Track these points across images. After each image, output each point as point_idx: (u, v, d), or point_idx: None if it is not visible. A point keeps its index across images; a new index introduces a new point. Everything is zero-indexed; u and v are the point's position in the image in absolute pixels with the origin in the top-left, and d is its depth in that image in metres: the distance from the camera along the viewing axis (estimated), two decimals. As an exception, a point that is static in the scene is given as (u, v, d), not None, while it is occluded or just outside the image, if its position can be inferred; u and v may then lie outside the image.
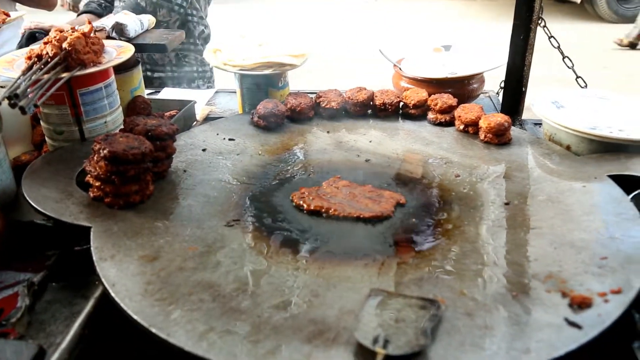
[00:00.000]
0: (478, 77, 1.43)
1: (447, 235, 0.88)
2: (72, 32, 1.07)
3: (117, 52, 1.13)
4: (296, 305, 0.71)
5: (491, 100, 1.60)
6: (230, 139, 1.20)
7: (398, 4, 9.11)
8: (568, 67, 1.40)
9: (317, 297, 0.73)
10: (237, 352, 0.62)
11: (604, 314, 0.67)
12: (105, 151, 0.87)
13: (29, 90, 0.89)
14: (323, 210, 0.94)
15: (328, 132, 1.25)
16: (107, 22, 1.28)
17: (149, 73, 2.09)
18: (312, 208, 0.94)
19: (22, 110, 0.82)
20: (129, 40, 1.26)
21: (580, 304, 0.69)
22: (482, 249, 0.83)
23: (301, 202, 0.96)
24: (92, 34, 1.10)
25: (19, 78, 0.91)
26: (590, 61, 5.55)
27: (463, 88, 1.41)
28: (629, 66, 5.41)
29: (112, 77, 1.13)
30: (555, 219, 0.90)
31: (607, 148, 1.08)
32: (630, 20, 7.41)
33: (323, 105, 1.28)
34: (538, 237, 0.86)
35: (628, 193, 0.96)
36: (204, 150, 1.15)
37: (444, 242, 0.86)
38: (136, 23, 1.30)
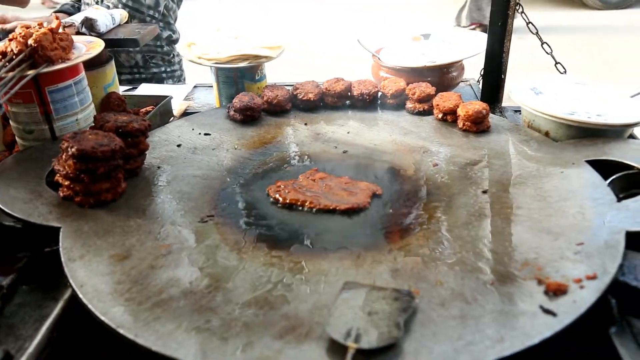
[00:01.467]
0: (457, 65, 1.42)
1: (423, 225, 0.87)
2: (39, 27, 1.04)
3: (87, 47, 1.10)
4: (269, 301, 0.69)
5: (472, 88, 1.59)
6: (205, 134, 1.18)
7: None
8: (547, 52, 1.39)
9: (290, 292, 0.71)
10: (207, 350, 0.60)
11: (579, 300, 0.66)
12: (73, 149, 0.85)
13: (-8, 88, 0.87)
14: (299, 203, 0.92)
15: (306, 124, 1.23)
16: (77, 17, 1.25)
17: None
18: (287, 201, 0.93)
19: (-16, 109, 0.80)
20: (100, 35, 1.24)
21: (556, 291, 0.68)
22: (459, 238, 0.82)
23: (277, 196, 0.94)
24: (60, 30, 1.07)
25: (-18, 76, 0.89)
26: (573, 48, 5.57)
27: (442, 76, 1.40)
28: (613, 53, 5.43)
29: (83, 73, 1.10)
30: (532, 205, 0.89)
31: (586, 133, 1.08)
32: (615, 7, 7.46)
33: (300, 97, 1.26)
34: (515, 224, 0.85)
35: (606, 178, 0.95)
36: (178, 145, 1.13)
37: (421, 232, 0.85)
38: (107, 18, 1.27)
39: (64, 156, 0.88)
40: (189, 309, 0.68)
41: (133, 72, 2.08)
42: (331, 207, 0.91)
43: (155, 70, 2.10)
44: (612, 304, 0.72)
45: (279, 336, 0.63)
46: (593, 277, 0.70)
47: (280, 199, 0.94)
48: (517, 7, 1.31)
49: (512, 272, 0.73)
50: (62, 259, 0.76)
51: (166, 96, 1.39)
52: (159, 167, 1.04)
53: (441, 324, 0.64)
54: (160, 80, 2.10)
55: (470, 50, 1.37)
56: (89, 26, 1.23)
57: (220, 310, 0.67)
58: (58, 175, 0.90)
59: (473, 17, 6.15)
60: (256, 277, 0.75)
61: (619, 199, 0.89)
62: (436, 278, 0.73)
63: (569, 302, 0.66)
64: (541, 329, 0.62)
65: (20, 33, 1.00)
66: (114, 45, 1.25)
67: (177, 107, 1.49)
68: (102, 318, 0.65)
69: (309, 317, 0.66)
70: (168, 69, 2.12)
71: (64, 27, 1.15)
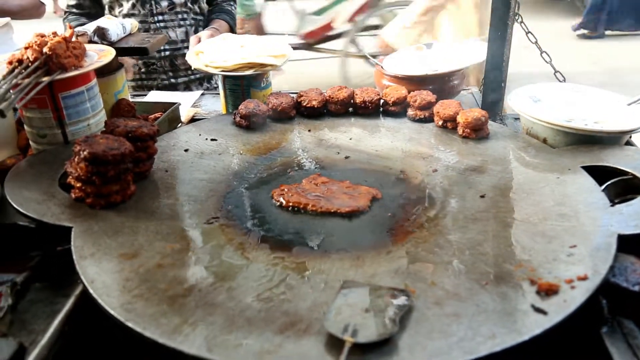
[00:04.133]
0: (458, 74, 1.45)
1: (422, 228, 0.90)
2: (53, 36, 1.08)
3: (99, 55, 1.14)
4: (270, 299, 0.72)
5: (474, 96, 1.62)
6: (212, 139, 1.21)
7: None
8: (546, 61, 1.42)
9: (291, 290, 0.74)
10: (211, 342, 0.63)
11: (569, 300, 0.69)
12: (85, 152, 0.89)
13: (9, 93, 0.91)
14: (301, 206, 0.95)
15: (309, 130, 1.27)
16: (89, 26, 1.29)
17: (172, 80, 2.14)
18: (290, 204, 0.96)
19: (1, 113, 0.84)
20: (111, 44, 1.28)
21: (547, 290, 0.70)
22: (456, 241, 0.85)
23: (281, 199, 0.98)
24: (73, 39, 1.11)
25: (-1, 82, 0.93)
26: (576, 55, 5.59)
27: (444, 85, 1.43)
28: (616, 60, 5.44)
29: (94, 80, 1.14)
30: (528, 209, 0.92)
31: (582, 140, 1.10)
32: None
33: (304, 104, 1.30)
34: (510, 227, 0.88)
35: (602, 183, 0.98)
36: (186, 150, 1.16)
37: (419, 235, 0.88)
38: (118, 27, 1.32)
39: (76, 159, 0.91)
40: (194, 305, 0.71)
41: (188, 74, 2.16)
42: (332, 210, 0.94)
43: (190, 75, 2.18)
44: (603, 304, 0.75)
45: (280, 331, 0.66)
46: (584, 278, 0.72)
47: (284, 202, 0.97)
48: (517, 17, 1.34)
49: (506, 273, 0.76)
50: (74, 257, 0.79)
51: (174, 103, 1.43)
52: (166, 171, 1.08)
53: (436, 321, 0.67)
54: (210, 78, 2.22)
55: (470, 59, 1.40)
56: (101, 35, 1.28)
57: (224, 307, 0.70)
58: (70, 177, 0.93)
59: None
60: (259, 276, 0.78)
61: (614, 204, 0.92)
62: (432, 278, 0.76)
63: (560, 301, 0.69)
64: (532, 326, 0.65)
65: (35, 42, 1.04)
66: (125, 54, 1.29)
67: (185, 114, 1.53)
68: (112, 312, 0.68)
69: (309, 314, 0.69)
70: (198, 75, 2.19)
71: (77, 36, 1.19)
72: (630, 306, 0.74)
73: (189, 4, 2.09)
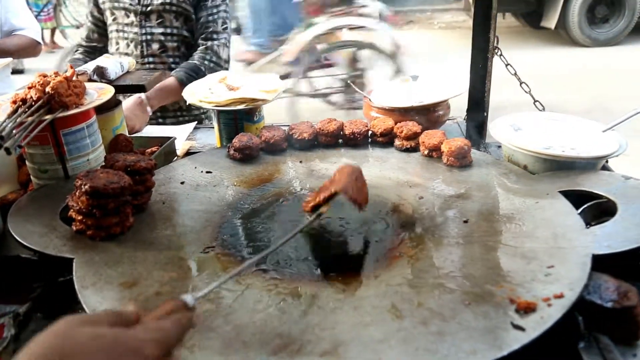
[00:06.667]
0: (443, 105, 1.51)
1: (408, 252, 0.94)
2: (55, 76, 1.14)
3: (98, 93, 1.20)
4: (265, 322, 0.76)
5: (459, 126, 1.68)
6: (207, 172, 1.26)
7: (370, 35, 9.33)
8: (525, 91, 1.49)
9: (284, 314, 0.78)
10: (208, 365, 0.67)
11: (546, 317, 0.73)
12: (86, 186, 0.93)
13: (14, 132, 0.96)
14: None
15: (301, 161, 1.32)
16: (89, 65, 1.35)
17: (160, 120, 2.21)
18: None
19: (7, 151, 0.89)
20: (110, 82, 1.34)
21: (525, 308, 0.75)
22: (440, 264, 0.89)
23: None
24: (74, 78, 1.17)
25: (4, 121, 0.98)
26: (562, 84, 5.73)
27: (429, 115, 1.49)
28: (601, 88, 5.58)
29: (94, 117, 1.20)
30: (508, 233, 0.96)
31: (561, 166, 1.16)
32: (604, 44, 7.68)
33: (295, 136, 1.35)
34: (492, 250, 0.92)
35: (579, 206, 1.03)
36: (182, 183, 1.21)
37: (406, 259, 0.92)
38: (116, 66, 1.38)
39: (77, 193, 0.96)
40: (191, 330, 0.74)
41: (177, 115, 2.23)
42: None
43: (196, 112, 2.25)
44: (580, 321, 0.79)
45: (273, 352, 0.70)
46: (560, 296, 0.76)
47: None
48: (496, 51, 1.42)
49: (487, 293, 0.80)
50: (76, 287, 0.83)
51: (170, 137, 1.49)
52: (163, 203, 1.12)
53: (422, 340, 0.71)
54: (200, 121, 2.24)
55: (454, 91, 1.47)
56: (100, 74, 1.34)
57: (220, 331, 0.74)
58: (72, 210, 0.97)
59: None
60: (254, 301, 0.81)
61: (589, 226, 0.96)
62: (418, 299, 0.80)
63: (537, 318, 0.73)
64: (511, 342, 0.69)
65: (38, 81, 1.09)
66: (123, 91, 1.35)
67: (180, 147, 1.58)
68: (113, 338, 0.72)
69: (301, 336, 0.73)
70: (206, 111, 2.26)
71: (78, 75, 1.25)
72: (604, 322, 0.78)
73: (182, 49, 2.16)
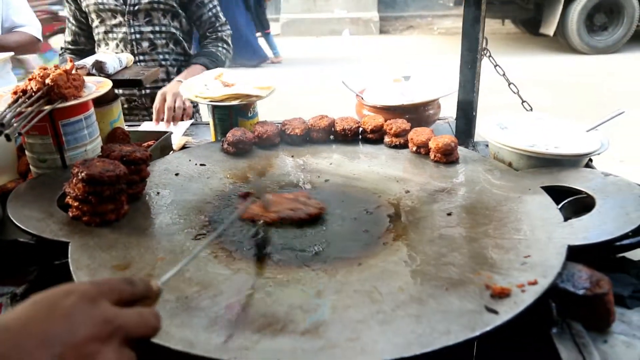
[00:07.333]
0: (433, 104, 1.55)
1: (393, 242, 0.98)
2: (55, 69, 1.17)
3: (97, 87, 1.24)
4: (250, 303, 0.80)
5: (450, 125, 1.72)
6: (201, 164, 1.30)
7: (371, 39, 9.42)
8: (513, 92, 1.53)
9: (270, 296, 0.81)
10: (194, 340, 0.70)
11: (519, 302, 0.76)
12: (83, 174, 0.97)
13: (13, 120, 0.99)
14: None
15: (292, 156, 1.36)
16: (88, 60, 1.39)
17: (127, 117, 2.24)
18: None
19: (7, 137, 0.92)
20: (108, 76, 1.38)
21: (500, 294, 0.78)
22: (423, 253, 0.93)
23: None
24: (73, 71, 1.21)
25: (5, 110, 1.01)
26: (560, 90, 5.78)
27: (420, 114, 1.53)
28: (597, 95, 5.63)
29: (92, 109, 1.23)
30: (490, 225, 1.00)
31: (544, 163, 1.20)
32: (603, 51, 7.75)
33: (288, 132, 1.39)
34: (473, 241, 0.96)
35: (560, 202, 1.06)
36: (176, 174, 1.24)
37: (390, 248, 0.95)
38: (115, 61, 1.41)
39: (74, 180, 0.99)
40: (180, 310, 0.78)
41: (150, 112, 2.25)
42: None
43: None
44: (553, 307, 0.82)
45: (258, 330, 0.73)
46: (534, 283, 0.80)
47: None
48: (485, 52, 1.45)
49: (465, 280, 0.83)
50: (71, 268, 0.86)
51: (166, 132, 1.52)
52: (158, 193, 1.16)
53: (399, 321, 0.74)
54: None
55: (444, 91, 1.51)
56: (99, 68, 1.37)
57: (207, 311, 0.77)
58: (68, 197, 1.01)
59: None
60: (241, 285, 0.85)
61: (568, 220, 1.00)
62: (399, 285, 0.84)
63: (511, 303, 0.76)
64: (483, 324, 0.72)
65: (39, 74, 1.13)
66: (121, 85, 1.39)
67: (176, 142, 1.61)
68: (105, 315, 0.75)
69: (284, 316, 0.76)
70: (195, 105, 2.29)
71: (77, 68, 1.28)
72: (577, 309, 0.82)
73: (171, 45, 2.21)
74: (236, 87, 1.45)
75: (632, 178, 1.10)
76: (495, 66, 1.51)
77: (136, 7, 2.11)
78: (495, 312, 0.75)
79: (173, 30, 2.20)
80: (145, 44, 2.15)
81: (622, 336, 0.81)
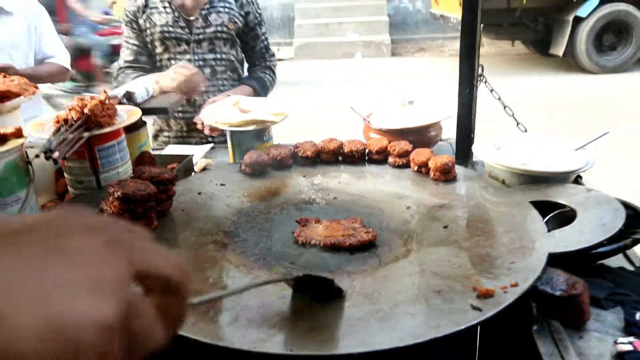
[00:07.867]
0: (435, 126, 1.67)
1: (392, 252, 1.09)
2: (91, 100, 1.32)
3: (128, 115, 1.38)
4: (267, 305, 0.91)
5: (451, 146, 1.84)
6: (221, 184, 1.43)
7: (383, 61, 9.60)
8: (509, 114, 1.64)
9: (281, 299, 0.93)
10: (219, 334, 0.82)
11: (501, 301, 0.87)
12: (118, 193, 1.10)
13: (58, 146, 1.13)
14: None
15: (304, 176, 1.48)
16: (119, 91, 1.54)
17: (185, 138, 2.41)
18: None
19: (55, 161, 1.06)
20: (137, 105, 1.52)
21: (485, 294, 0.89)
22: (418, 262, 1.04)
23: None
24: (107, 101, 1.35)
25: (50, 137, 1.16)
26: (569, 109, 5.86)
27: (422, 136, 1.65)
28: (607, 115, 5.70)
29: (123, 135, 1.37)
30: (481, 236, 1.11)
31: (533, 180, 1.30)
32: (611, 71, 7.82)
33: (300, 154, 1.52)
34: (464, 250, 1.06)
35: (546, 215, 1.17)
36: (199, 193, 1.37)
37: (388, 258, 1.07)
38: (143, 91, 1.56)
39: (110, 198, 1.12)
40: (205, 309, 0.89)
41: (200, 136, 2.35)
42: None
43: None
44: (534, 307, 0.93)
45: (272, 326, 0.85)
46: (515, 285, 0.90)
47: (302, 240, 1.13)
48: (481, 78, 1.57)
49: (455, 283, 0.94)
50: (110, 275, 0.98)
51: (188, 155, 1.66)
52: (183, 210, 1.29)
53: (395, 318, 0.85)
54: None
55: (443, 114, 1.63)
56: (129, 98, 1.52)
57: (231, 310, 0.89)
58: (105, 214, 1.14)
59: None
60: (260, 290, 0.96)
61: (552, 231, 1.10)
62: (397, 288, 0.95)
63: (494, 302, 0.87)
64: (468, 320, 0.83)
65: (78, 104, 1.27)
66: (149, 113, 1.53)
67: (197, 164, 1.75)
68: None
69: (295, 315, 0.88)
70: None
71: (110, 99, 1.43)
72: (555, 308, 0.92)
73: (229, 72, 2.38)
74: (252, 114, 1.59)
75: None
76: (491, 91, 1.63)
77: (201, 36, 2.26)
78: (479, 309, 0.85)
79: (232, 57, 2.36)
80: (207, 70, 2.29)
81: (597, 333, 0.92)
